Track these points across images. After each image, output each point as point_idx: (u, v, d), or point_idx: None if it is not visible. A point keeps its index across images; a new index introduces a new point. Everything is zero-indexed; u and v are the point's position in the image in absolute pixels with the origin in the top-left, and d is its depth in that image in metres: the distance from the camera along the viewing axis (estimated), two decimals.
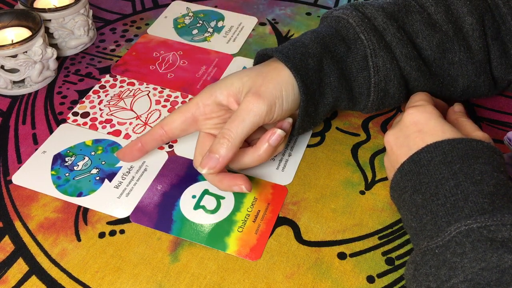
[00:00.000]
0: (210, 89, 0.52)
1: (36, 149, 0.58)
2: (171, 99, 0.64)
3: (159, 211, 0.52)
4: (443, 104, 0.55)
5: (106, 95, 0.64)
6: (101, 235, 0.50)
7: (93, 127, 0.61)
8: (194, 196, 0.54)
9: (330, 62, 0.53)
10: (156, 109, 0.63)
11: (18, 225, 0.51)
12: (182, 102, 0.64)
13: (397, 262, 0.49)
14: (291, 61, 0.51)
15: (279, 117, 0.51)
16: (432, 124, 0.46)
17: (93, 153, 0.58)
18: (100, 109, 0.63)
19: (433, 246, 0.40)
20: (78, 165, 0.56)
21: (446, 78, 0.56)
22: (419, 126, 0.47)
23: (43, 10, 0.67)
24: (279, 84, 0.51)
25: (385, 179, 0.56)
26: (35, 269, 0.48)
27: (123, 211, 0.52)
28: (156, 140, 0.53)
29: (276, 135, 0.51)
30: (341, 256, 0.49)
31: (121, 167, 0.56)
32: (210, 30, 0.75)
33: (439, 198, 0.41)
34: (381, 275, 0.48)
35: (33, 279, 0.47)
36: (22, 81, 0.65)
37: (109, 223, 0.51)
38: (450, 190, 0.41)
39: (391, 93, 0.54)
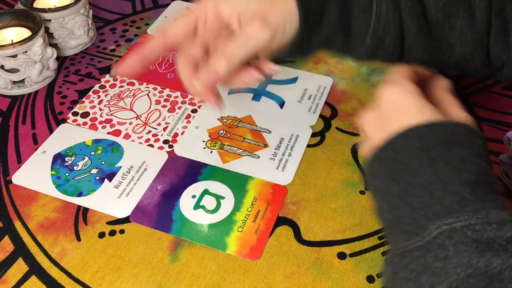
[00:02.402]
0: (214, 1, 0.51)
1: (36, 149, 0.58)
2: (171, 99, 0.64)
3: (159, 211, 0.52)
4: (429, 76, 0.52)
5: (106, 95, 0.64)
6: (101, 235, 0.50)
7: (93, 127, 0.61)
8: (194, 196, 0.54)
9: None
10: (156, 109, 0.63)
11: (18, 225, 0.51)
12: (182, 102, 0.64)
13: None
14: None
15: (280, 43, 0.50)
16: (411, 104, 0.43)
17: (93, 153, 0.58)
18: (100, 109, 0.63)
19: (413, 247, 0.36)
20: (78, 165, 0.56)
21: (444, 44, 0.54)
22: (395, 106, 0.43)
23: (43, 10, 0.67)
24: (285, 11, 0.49)
25: None
26: (35, 269, 0.48)
27: (123, 211, 0.52)
28: (158, 43, 0.50)
29: (253, 78, 0.50)
30: (341, 256, 0.49)
31: (121, 167, 0.56)
32: None
33: (415, 188, 0.38)
34: (381, 275, 0.48)
35: (33, 279, 0.47)
36: (22, 81, 0.65)
37: (109, 223, 0.51)
38: (427, 178, 0.38)
39: (386, 43, 0.52)
